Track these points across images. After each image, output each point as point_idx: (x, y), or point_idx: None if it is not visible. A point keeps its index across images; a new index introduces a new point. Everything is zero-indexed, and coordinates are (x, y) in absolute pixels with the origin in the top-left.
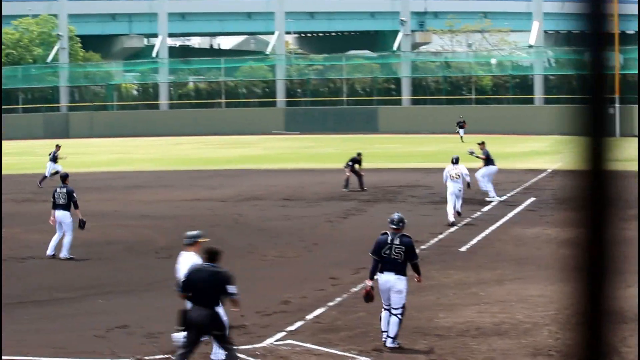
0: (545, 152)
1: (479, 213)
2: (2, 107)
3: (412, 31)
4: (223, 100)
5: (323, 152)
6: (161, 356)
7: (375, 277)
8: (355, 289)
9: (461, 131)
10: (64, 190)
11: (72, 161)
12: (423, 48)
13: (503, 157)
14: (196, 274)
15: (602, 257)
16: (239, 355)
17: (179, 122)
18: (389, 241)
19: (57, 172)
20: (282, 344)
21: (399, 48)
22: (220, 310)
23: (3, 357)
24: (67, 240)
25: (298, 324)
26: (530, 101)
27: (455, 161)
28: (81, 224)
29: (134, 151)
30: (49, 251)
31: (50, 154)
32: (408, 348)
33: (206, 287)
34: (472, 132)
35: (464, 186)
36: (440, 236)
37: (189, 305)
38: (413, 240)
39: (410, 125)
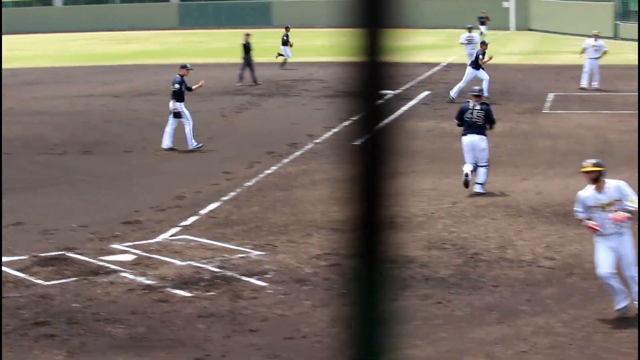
0: (440, 46)
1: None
2: None
3: None
4: None
5: (216, 46)
6: (56, 252)
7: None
8: (249, 183)
9: (483, 28)
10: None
11: None
12: None
13: (397, 50)
14: None
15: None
16: (134, 250)
17: (74, 19)
18: (470, 107)
19: (283, 57)
20: (177, 239)
21: None
22: None
23: None
24: (186, 131)
25: (192, 218)
26: None
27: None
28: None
29: (28, 48)
30: (165, 144)
31: (283, 37)
32: (302, 242)
33: None
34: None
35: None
36: (335, 130)
37: None
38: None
39: (304, 19)
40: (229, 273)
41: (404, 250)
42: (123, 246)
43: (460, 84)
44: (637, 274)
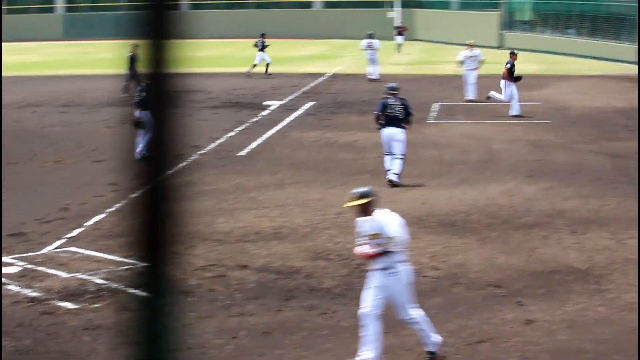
0: (325, 56)
1: (258, 117)
2: None
3: None
4: (4, 7)
5: (102, 57)
6: None
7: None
8: (134, 195)
9: (399, 38)
10: (138, 88)
11: None
12: None
13: (283, 61)
14: None
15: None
16: (19, 262)
17: None
18: (390, 102)
19: (267, 62)
20: (62, 251)
21: None
22: None
23: None
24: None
25: (77, 230)
26: (310, 5)
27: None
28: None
29: None
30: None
31: (256, 44)
32: (187, 254)
33: None
34: (252, 36)
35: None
36: (219, 140)
37: None
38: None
39: (190, 30)
40: (114, 285)
41: (287, 261)
42: (9, 258)
43: (500, 97)
44: (416, 316)
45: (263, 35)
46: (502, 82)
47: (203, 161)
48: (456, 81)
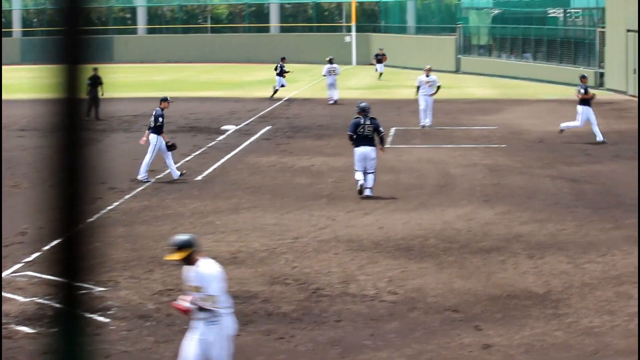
0: None
1: (214, 142)
2: None
3: None
4: None
5: (58, 81)
6: None
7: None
8: (90, 219)
9: (379, 66)
10: (153, 112)
11: None
12: None
13: (239, 85)
14: None
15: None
16: None
17: None
18: (362, 122)
19: (282, 86)
20: (20, 275)
21: None
22: None
23: None
24: (145, 161)
25: (35, 254)
26: (266, 30)
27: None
28: (170, 146)
29: None
30: (175, 176)
31: (276, 68)
32: (145, 278)
33: None
34: (208, 61)
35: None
36: (176, 165)
37: None
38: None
39: (145, 55)
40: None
41: (245, 285)
42: None
43: (574, 124)
44: None
45: (283, 59)
46: (579, 107)
47: (160, 186)
48: (412, 106)
